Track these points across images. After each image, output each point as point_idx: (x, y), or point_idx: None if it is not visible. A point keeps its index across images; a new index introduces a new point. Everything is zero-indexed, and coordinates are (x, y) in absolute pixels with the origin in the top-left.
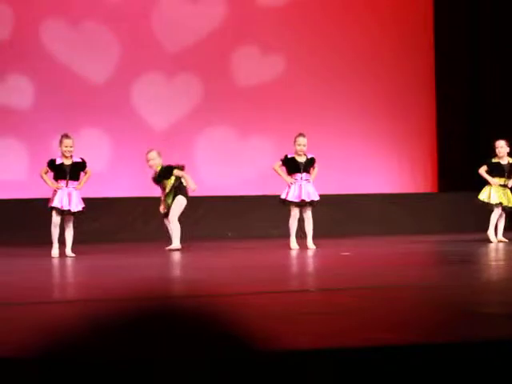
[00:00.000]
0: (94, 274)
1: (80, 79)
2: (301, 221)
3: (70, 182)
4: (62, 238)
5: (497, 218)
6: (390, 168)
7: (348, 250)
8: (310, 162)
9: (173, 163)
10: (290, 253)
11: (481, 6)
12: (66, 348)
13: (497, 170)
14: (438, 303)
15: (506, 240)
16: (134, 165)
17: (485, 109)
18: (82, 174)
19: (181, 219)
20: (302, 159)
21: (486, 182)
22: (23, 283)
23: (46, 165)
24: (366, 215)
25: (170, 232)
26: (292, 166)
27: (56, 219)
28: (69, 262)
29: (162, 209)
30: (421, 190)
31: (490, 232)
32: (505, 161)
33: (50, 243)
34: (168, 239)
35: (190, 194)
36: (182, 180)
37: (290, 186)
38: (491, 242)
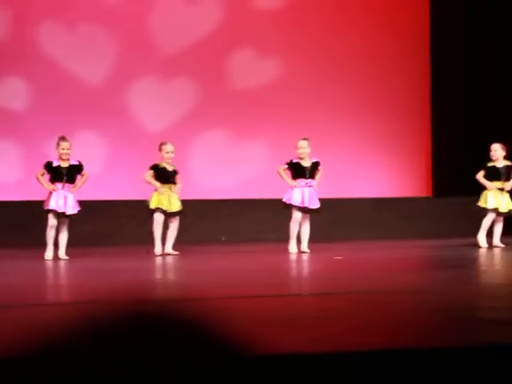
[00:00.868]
0: (85, 277)
1: (76, 82)
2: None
3: (66, 184)
4: (56, 241)
5: (489, 223)
6: (385, 172)
7: (341, 254)
8: (315, 166)
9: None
10: (283, 257)
11: (478, 8)
12: (58, 349)
13: (493, 174)
14: (432, 308)
15: (503, 245)
16: (129, 168)
17: (481, 113)
18: (78, 176)
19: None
20: (306, 163)
21: (483, 187)
22: (16, 285)
23: (42, 167)
24: (359, 219)
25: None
26: (297, 171)
27: (52, 221)
28: (61, 264)
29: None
30: (416, 195)
31: (481, 237)
32: (501, 164)
33: (44, 245)
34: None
35: (183, 196)
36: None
37: (293, 190)
38: (480, 247)
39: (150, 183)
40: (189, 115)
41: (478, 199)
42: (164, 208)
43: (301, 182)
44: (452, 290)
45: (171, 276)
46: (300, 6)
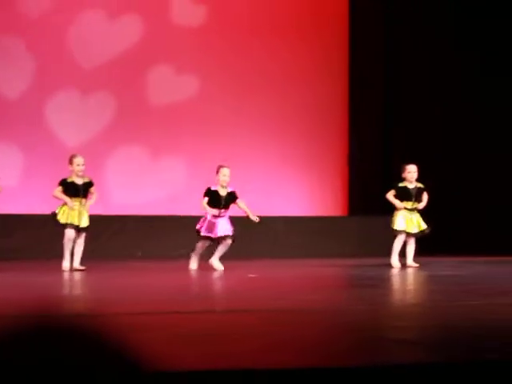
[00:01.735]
0: None
1: None
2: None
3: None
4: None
5: (401, 244)
6: (301, 191)
7: (256, 271)
8: (231, 197)
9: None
10: (197, 274)
11: (397, 28)
12: None
13: (404, 195)
14: (344, 328)
15: (417, 265)
16: (44, 182)
17: (398, 134)
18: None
19: (88, 237)
20: (223, 192)
21: (395, 208)
22: None
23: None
24: (275, 237)
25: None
26: (214, 199)
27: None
28: None
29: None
30: (331, 213)
31: (393, 259)
32: (413, 185)
33: None
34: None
35: (99, 211)
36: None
37: (206, 219)
38: (392, 268)
39: (59, 199)
40: (107, 130)
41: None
42: (75, 223)
43: (215, 212)
44: (363, 309)
45: (77, 291)
46: (220, 24)
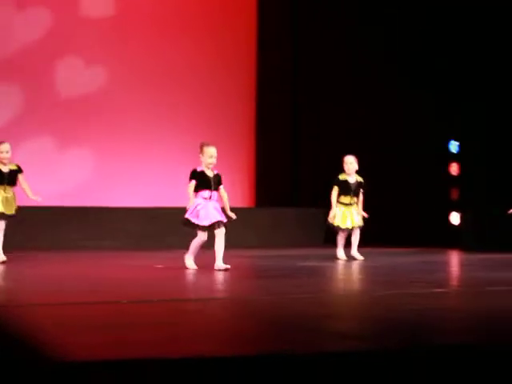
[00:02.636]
0: None
1: None
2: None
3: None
4: None
5: (342, 237)
6: None
7: (163, 262)
8: (218, 179)
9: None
10: (103, 264)
11: (305, 24)
12: None
13: (344, 189)
14: (251, 316)
15: (361, 258)
16: None
17: (306, 126)
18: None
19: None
20: (210, 173)
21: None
22: None
23: None
24: (179, 229)
25: None
26: (203, 181)
27: None
28: None
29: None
30: (239, 205)
31: (338, 252)
32: (353, 179)
33: None
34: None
35: None
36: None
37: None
38: (338, 259)
39: None
40: (14, 121)
41: (298, 210)
42: (2, 211)
43: (205, 194)
44: (268, 299)
45: None
46: (128, 16)
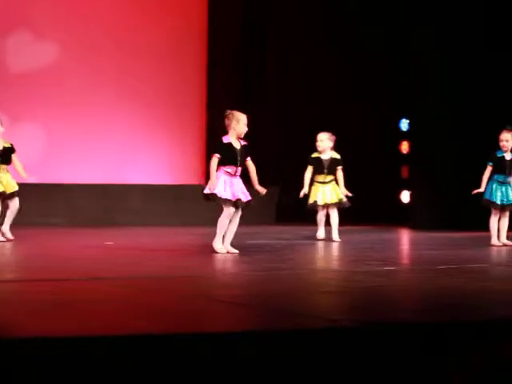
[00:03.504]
0: None
1: None
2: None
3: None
4: None
5: (322, 216)
6: (162, 160)
7: (113, 240)
8: (245, 151)
9: None
10: (54, 241)
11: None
12: None
13: (318, 166)
14: (198, 293)
15: (339, 240)
16: None
17: (260, 102)
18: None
19: None
20: (237, 144)
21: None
22: None
23: None
24: (132, 205)
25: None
26: (229, 155)
27: None
28: None
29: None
30: (189, 182)
31: (318, 232)
32: (327, 156)
33: None
34: None
35: None
36: None
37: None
38: (318, 240)
39: None
40: None
41: (251, 188)
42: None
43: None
44: (218, 277)
45: None
46: None
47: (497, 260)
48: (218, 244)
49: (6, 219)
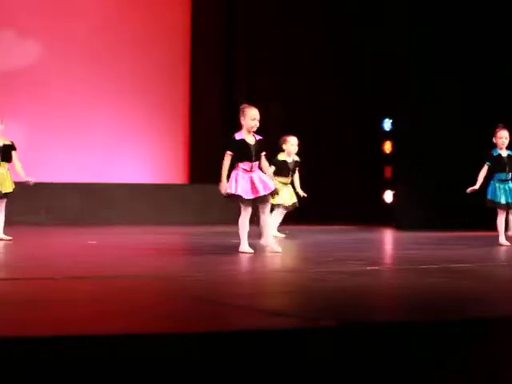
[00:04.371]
0: None
1: None
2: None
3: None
4: None
5: (276, 217)
6: (145, 159)
7: (96, 238)
8: (260, 147)
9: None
10: (37, 240)
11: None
12: None
13: (282, 168)
14: (181, 293)
15: (282, 235)
16: None
17: (241, 103)
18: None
19: None
20: (251, 140)
21: None
22: None
23: None
24: (115, 204)
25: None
26: (242, 151)
27: None
28: None
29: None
30: (173, 181)
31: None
32: (290, 158)
33: None
34: None
35: None
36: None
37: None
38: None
39: None
40: None
41: None
42: None
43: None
44: (201, 276)
45: None
46: None
47: (481, 259)
48: (243, 246)
49: None
